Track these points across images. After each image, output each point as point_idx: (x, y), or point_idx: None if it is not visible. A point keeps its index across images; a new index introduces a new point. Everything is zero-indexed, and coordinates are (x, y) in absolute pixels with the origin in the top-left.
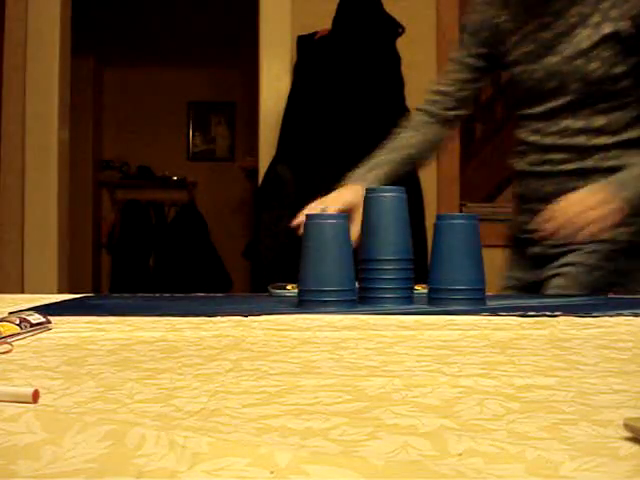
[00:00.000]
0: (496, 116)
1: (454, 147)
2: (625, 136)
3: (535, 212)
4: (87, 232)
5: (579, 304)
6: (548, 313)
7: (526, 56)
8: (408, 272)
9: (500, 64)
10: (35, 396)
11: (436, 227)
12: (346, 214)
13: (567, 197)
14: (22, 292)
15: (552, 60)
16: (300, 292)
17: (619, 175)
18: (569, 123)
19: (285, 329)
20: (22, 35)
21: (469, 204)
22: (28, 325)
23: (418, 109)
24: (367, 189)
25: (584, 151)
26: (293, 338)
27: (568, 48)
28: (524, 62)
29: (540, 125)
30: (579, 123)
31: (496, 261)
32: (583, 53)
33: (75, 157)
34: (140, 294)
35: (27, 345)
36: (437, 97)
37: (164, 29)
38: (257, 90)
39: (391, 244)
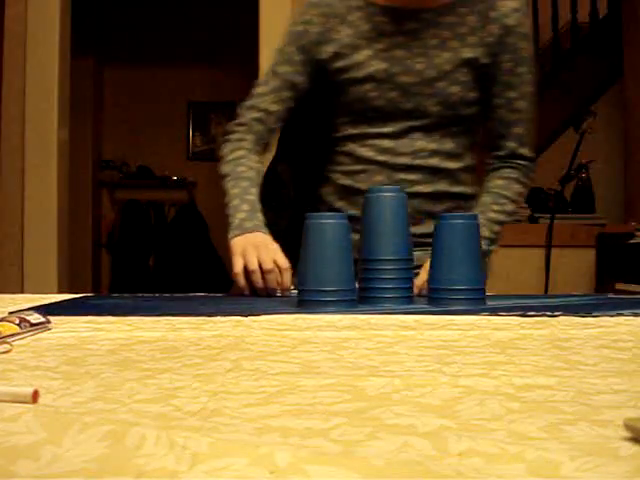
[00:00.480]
0: None
1: None
2: (467, 161)
3: None
4: (87, 232)
5: (579, 304)
6: (548, 313)
7: (377, 74)
8: (408, 272)
9: (329, 82)
10: (35, 396)
11: (436, 227)
12: (346, 214)
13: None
14: (22, 292)
15: (409, 80)
16: (300, 292)
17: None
18: (423, 144)
19: (285, 329)
20: (22, 35)
21: None
22: (28, 325)
23: (240, 124)
24: (367, 189)
25: (437, 173)
26: (293, 338)
27: (429, 70)
28: (374, 80)
29: (391, 144)
30: (432, 145)
31: (496, 261)
32: (445, 76)
33: (75, 157)
34: (140, 294)
35: (27, 345)
36: (263, 115)
37: (164, 29)
38: None
39: (391, 244)
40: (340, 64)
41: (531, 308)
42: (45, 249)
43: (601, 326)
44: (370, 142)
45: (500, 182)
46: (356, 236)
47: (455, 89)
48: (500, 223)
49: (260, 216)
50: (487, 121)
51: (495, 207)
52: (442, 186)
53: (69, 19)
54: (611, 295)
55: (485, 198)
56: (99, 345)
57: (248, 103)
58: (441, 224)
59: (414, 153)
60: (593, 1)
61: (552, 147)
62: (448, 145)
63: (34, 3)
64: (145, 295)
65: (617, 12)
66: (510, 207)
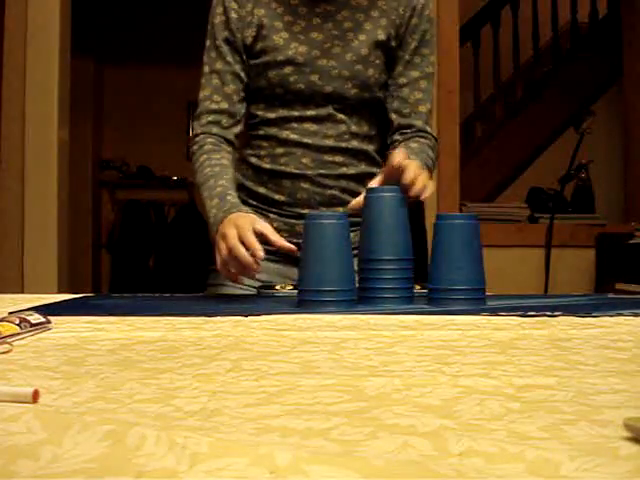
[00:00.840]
0: (496, 116)
1: (454, 147)
2: (379, 143)
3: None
4: (87, 232)
5: (579, 304)
6: (548, 313)
7: (296, 57)
8: (408, 272)
9: (249, 66)
10: (35, 396)
11: (436, 227)
12: (347, 213)
13: (408, 163)
14: (22, 292)
15: (328, 64)
16: (300, 292)
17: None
18: (345, 127)
19: (285, 329)
20: (22, 35)
21: (469, 204)
22: (28, 325)
23: (196, 135)
24: (367, 189)
25: (358, 154)
26: (293, 338)
27: (348, 53)
28: (293, 63)
29: (315, 127)
30: (353, 127)
31: (496, 261)
32: (362, 59)
33: (75, 157)
34: (140, 294)
35: (27, 345)
36: (215, 117)
37: (164, 29)
38: None
39: (391, 244)
40: (260, 46)
41: (531, 308)
42: (45, 249)
43: (601, 326)
44: (293, 125)
45: (416, 144)
46: (275, 222)
47: (371, 72)
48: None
49: (230, 198)
50: (391, 100)
51: (428, 153)
52: (364, 167)
53: (69, 19)
54: (611, 295)
55: (412, 145)
56: (99, 345)
57: (196, 112)
58: (441, 224)
59: (339, 135)
60: (593, 1)
61: (552, 147)
62: (365, 127)
63: (34, 3)
64: (145, 295)
65: (617, 12)
66: (431, 162)
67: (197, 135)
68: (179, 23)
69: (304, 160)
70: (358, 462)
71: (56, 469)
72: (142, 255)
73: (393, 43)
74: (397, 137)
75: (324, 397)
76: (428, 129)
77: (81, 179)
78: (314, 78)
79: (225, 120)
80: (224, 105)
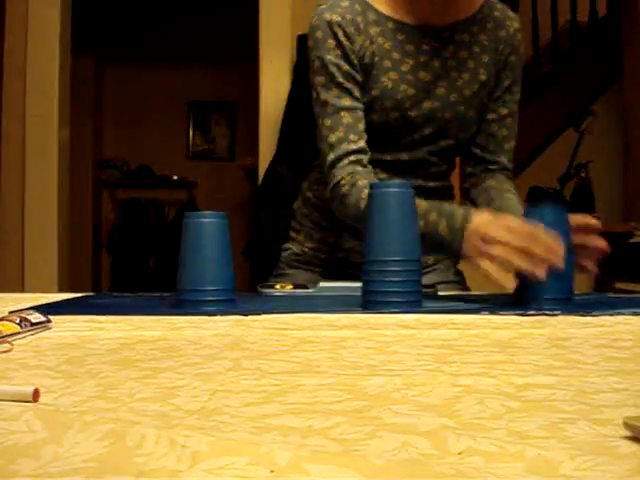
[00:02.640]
0: None
1: None
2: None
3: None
4: (87, 232)
5: (581, 303)
6: (548, 312)
7: (404, 101)
8: (416, 274)
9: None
10: (35, 395)
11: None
12: (224, 213)
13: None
14: (22, 291)
15: (432, 105)
16: (178, 292)
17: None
18: (436, 168)
19: (285, 328)
20: (22, 35)
21: (469, 204)
22: (28, 324)
23: (349, 174)
24: (371, 185)
25: (440, 191)
26: (293, 337)
27: (452, 94)
28: (400, 108)
29: (406, 167)
30: (443, 167)
31: None
32: (466, 100)
33: (75, 157)
34: (140, 294)
35: (27, 344)
36: (356, 157)
37: (164, 29)
38: (257, 90)
39: (398, 243)
40: (369, 86)
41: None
42: (45, 249)
43: (601, 325)
44: (384, 164)
45: (510, 195)
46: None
47: (472, 112)
48: None
49: (449, 208)
50: (477, 135)
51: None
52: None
53: (69, 19)
54: (611, 295)
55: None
56: (99, 344)
57: (330, 160)
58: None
59: (428, 175)
60: (593, 1)
61: (552, 147)
62: (449, 164)
63: (35, 3)
64: (145, 295)
65: (616, 12)
66: None
67: (341, 180)
68: (179, 23)
69: None
70: (358, 461)
71: (56, 468)
72: (142, 255)
73: (493, 81)
74: (478, 171)
75: (324, 396)
76: (510, 167)
77: (81, 179)
78: (417, 120)
79: (365, 159)
80: (362, 144)
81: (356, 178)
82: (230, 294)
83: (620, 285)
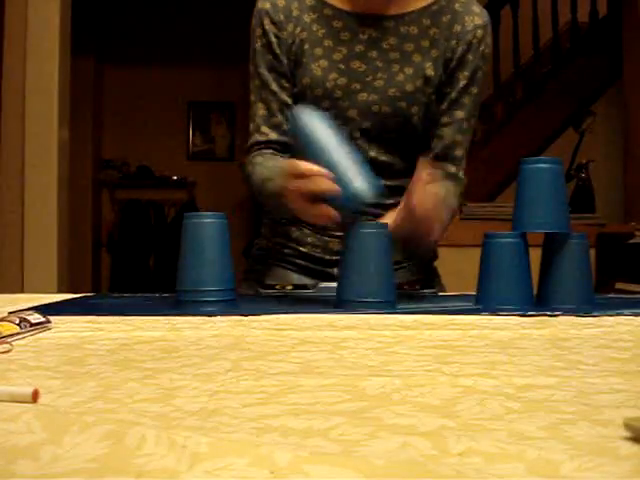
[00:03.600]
0: (496, 116)
1: None
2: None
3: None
4: (87, 232)
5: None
6: (548, 313)
7: (334, 91)
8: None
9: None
10: (35, 396)
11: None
12: (224, 213)
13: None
14: (22, 292)
15: (369, 98)
16: (178, 293)
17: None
18: (386, 167)
19: (285, 329)
20: (22, 34)
21: (470, 204)
22: (28, 325)
23: (252, 159)
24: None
25: (396, 190)
26: (293, 338)
27: (391, 87)
28: (331, 98)
29: None
30: (396, 166)
31: None
32: (408, 95)
33: (75, 157)
34: (140, 294)
35: (27, 345)
36: (265, 147)
37: (164, 29)
38: None
39: (374, 284)
40: (298, 74)
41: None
42: (45, 249)
43: (601, 326)
44: None
45: (442, 191)
46: (309, 238)
47: (415, 110)
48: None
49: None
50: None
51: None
52: (399, 198)
53: (69, 19)
54: (611, 295)
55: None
56: (99, 345)
57: (246, 146)
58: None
59: (383, 175)
60: (593, 1)
61: (552, 147)
62: (402, 163)
63: (34, 3)
64: (145, 295)
65: (617, 12)
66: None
67: (247, 164)
68: (179, 23)
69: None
70: (358, 462)
71: (56, 469)
72: (142, 255)
73: (443, 78)
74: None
75: (324, 397)
76: (460, 174)
77: (81, 179)
78: (352, 114)
79: (277, 147)
80: (273, 136)
81: (256, 159)
82: (230, 294)
83: (620, 285)
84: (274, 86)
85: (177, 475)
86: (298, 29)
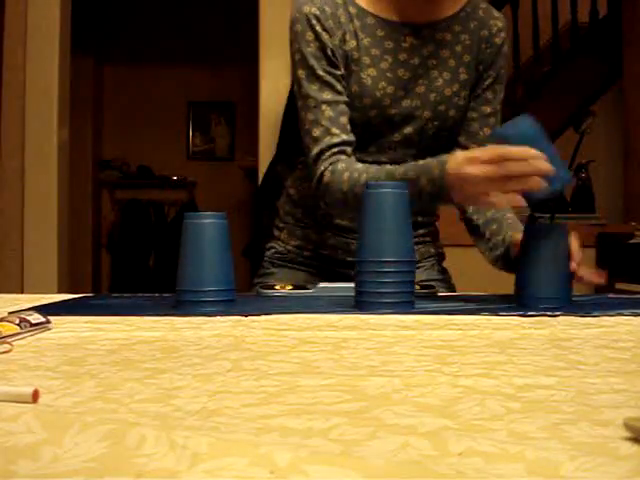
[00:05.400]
0: None
1: None
2: None
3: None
4: (87, 232)
5: (579, 304)
6: (549, 313)
7: (383, 99)
8: (410, 275)
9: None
10: (35, 396)
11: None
12: (224, 213)
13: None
14: (22, 292)
15: (412, 104)
16: (178, 293)
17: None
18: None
19: (285, 329)
20: (22, 34)
21: None
22: (28, 325)
23: (331, 164)
24: (367, 185)
25: None
26: (293, 338)
27: (432, 93)
28: (380, 105)
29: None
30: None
31: None
32: (447, 99)
33: (75, 157)
34: (140, 294)
35: (27, 345)
36: (339, 149)
37: (164, 28)
38: (257, 90)
39: (392, 243)
40: (349, 82)
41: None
42: (45, 249)
43: (601, 326)
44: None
45: (509, 216)
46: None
47: (453, 112)
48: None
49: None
50: (460, 135)
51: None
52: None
53: (69, 18)
54: (611, 295)
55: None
56: (99, 345)
57: (313, 153)
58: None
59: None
60: (593, 1)
61: None
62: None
63: (34, 3)
64: (145, 295)
65: (617, 12)
66: None
67: (324, 171)
68: (179, 23)
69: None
70: (358, 462)
71: (56, 469)
72: (142, 255)
73: (473, 81)
74: None
75: (324, 397)
76: None
77: (81, 179)
78: (397, 119)
79: (349, 150)
80: (345, 136)
81: (337, 166)
82: (230, 295)
83: (620, 285)
84: (338, 86)
85: (177, 475)
86: (347, 36)
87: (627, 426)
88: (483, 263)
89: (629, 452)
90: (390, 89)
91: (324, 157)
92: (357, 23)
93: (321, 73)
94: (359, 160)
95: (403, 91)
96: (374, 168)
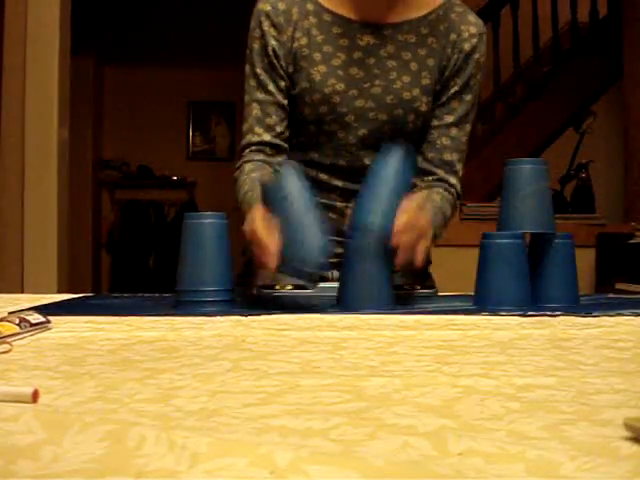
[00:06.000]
0: (496, 116)
1: None
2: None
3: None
4: (87, 232)
5: (581, 304)
6: (548, 313)
7: (332, 96)
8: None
9: (291, 96)
10: (35, 396)
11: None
12: (224, 213)
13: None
14: (22, 292)
15: (366, 105)
16: (178, 293)
17: (430, 207)
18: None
19: (285, 329)
20: (22, 35)
21: (469, 204)
22: (28, 325)
23: (245, 162)
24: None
25: None
26: (293, 338)
27: (388, 95)
28: (329, 103)
29: (346, 172)
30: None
31: None
32: (405, 103)
33: (75, 157)
34: (140, 294)
35: (27, 345)
36: (257, 148)
37: (164, 29)
38: None
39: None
40: (297, 78)
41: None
42: (45, 249)
43: (601, 326)
44: (324, 167)
45: (437, 199)
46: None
47: (412, 118)
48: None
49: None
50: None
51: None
52: None
53: (69, 19)
54: (611, 295)
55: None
56: (99, 345)
57: (239, 147)
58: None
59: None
60: (593, 1)
61: (552, 147)
62: None
63: (34, 2)
64: (145, 295)
65: (617, 12)
66: (442, 223)
67: (238, 167)
68: (179, 23)
69: (332, 195)
70: (358, 462)
71: (56, 469)
72: (142, 255)
73: (438, 87)
74: (419, 182)
75: (324, 397)
76: (451, 180)
77: (81, 179)
78: (350, 119)
79: (269, 150)
80: (266, 137)
81: (245, 166)
82: (229, 295)
83: (620, 285)
84: (271, 87)
85: (177, 475)
86: (298, 33)
87: (627, 426)
88: None
89: (629, 452)
90: (340, 86)
91: (243, 154)
92: (313, 20)
93: (259, 71)
94: (316, 162)
95: (356, 90)
96: (255, 184)
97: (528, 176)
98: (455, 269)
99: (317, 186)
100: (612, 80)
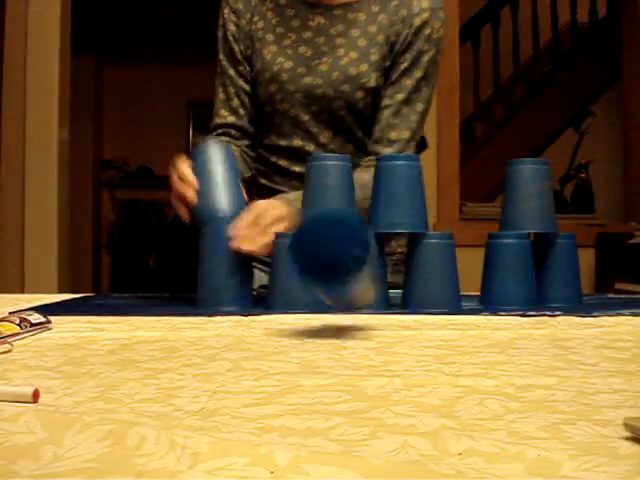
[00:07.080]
0: (496, 116)
1: (454, 147)
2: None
3: None
4: (87, 232)
5: (579, 304)
6: (548, 313)
7: (280, 74)
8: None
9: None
10: (35, 396)
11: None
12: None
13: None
14: (22, 292)
15: (313, 81)
16: (198, 292)
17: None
18: (329, 148)
19: (285, 329)
20: (22, 34)
21: (469, 204)
22: (28, 325)
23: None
24: (309, 157)
25: None
26: (293, 338)
27: (335, 71)
28: (278, 81)
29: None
30: (334, 147)
31: None
32: (351, 79)
33: (75, 157)
34: (140, 294)
35: (27, 345)
36: (224, 130)
37: (165, 29)
38: None
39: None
40: (254, 60)
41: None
42: (45, 249)
43: (601, 326)
44: (283, 151)
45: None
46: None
47: (360, 94)
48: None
49: None
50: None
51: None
52: None
53: (70, 19)
54: (611, 295)
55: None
56: (99, 345)
57: (210, 127)
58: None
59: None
60: (593, 1)
61: (552, 147)
62: (353, 152)
63: (34, 3)
64: (145, 295)
65: (616, 12)
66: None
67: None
68: (180, 23)
69: (293, 182)
70: (358, 462)
71: (56, 469)
72: (142, 255)
73: (388, 63)
74: (362, 162)
75: (324, 397)
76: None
77: (81, 179)
78: (298, 97)
79: (234, 132)
80: (231, 119)
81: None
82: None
83: (620, 285)
84: (231, 72)
85: (177, 475)
86: (256, 17)
87: (627, 426)
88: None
89: (629, 452)
90: (288, 64)
91: (212, 136)
92: (270, 4)
93: (221, 57)
94: (276, 146)
95: (304, 68)
96: None
97: (531, 176)
98: None
99: (278, 173)
100: (612, 80)
